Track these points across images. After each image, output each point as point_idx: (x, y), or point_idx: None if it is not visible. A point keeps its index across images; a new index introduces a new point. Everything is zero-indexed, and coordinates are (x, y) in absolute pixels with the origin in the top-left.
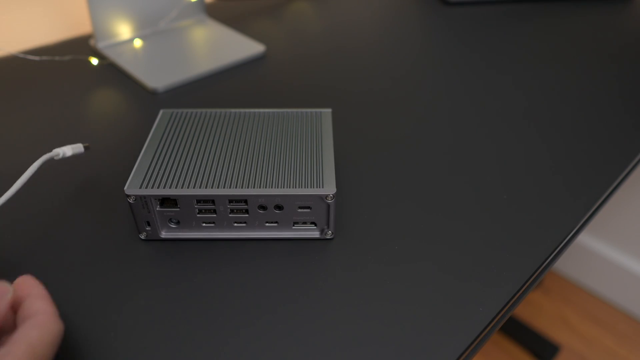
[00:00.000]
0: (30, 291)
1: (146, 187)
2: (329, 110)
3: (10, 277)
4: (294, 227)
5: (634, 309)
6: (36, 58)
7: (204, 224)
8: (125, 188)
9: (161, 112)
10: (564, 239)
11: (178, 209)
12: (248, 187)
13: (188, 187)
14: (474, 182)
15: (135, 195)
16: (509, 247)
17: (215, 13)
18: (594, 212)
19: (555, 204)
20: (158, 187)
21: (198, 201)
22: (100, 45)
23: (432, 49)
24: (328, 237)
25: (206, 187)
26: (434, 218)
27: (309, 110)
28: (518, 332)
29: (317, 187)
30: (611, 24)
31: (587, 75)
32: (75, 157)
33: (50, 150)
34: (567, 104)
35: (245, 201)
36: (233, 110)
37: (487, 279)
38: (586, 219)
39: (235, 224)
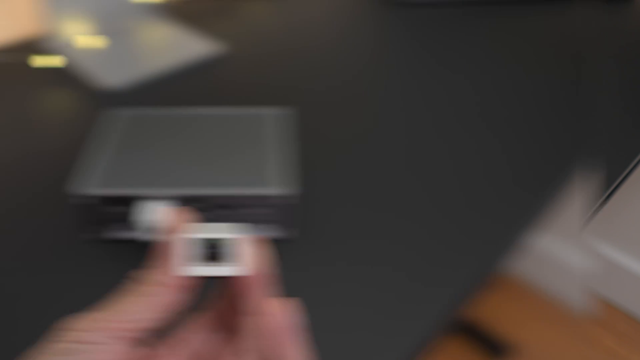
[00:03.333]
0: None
1: (93, 187)
2: (289, 109)
3: None
4: (255, 227)
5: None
6: None
7: None
8: (71, 188)
9: (112, 111)
10: (517, 238)
11: (128, 209)
12: (206, 187)
13: (138, 187)
14: (430, 182)
15: (82, 196)
16: (464, 246)
17: (173, 12)
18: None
19: (509, 203)
20: (105, 187)
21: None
22: (50, 45)
23: (388, 49)
24: (289, 237)
25: (159, 187)
26: (387, 218)
27: (268, 109)
28: (473, 331)
29: (277, 187)
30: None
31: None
32: (21, 159)
33: None
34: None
35: (203, 201)
36: (189, 109)
37: (442, 278)
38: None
39: None
